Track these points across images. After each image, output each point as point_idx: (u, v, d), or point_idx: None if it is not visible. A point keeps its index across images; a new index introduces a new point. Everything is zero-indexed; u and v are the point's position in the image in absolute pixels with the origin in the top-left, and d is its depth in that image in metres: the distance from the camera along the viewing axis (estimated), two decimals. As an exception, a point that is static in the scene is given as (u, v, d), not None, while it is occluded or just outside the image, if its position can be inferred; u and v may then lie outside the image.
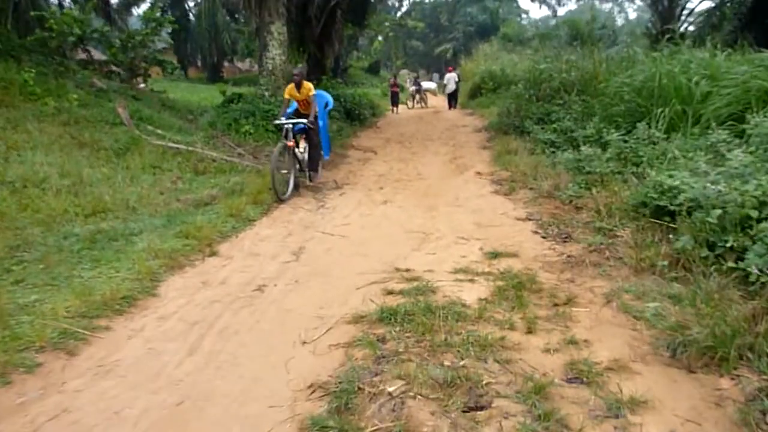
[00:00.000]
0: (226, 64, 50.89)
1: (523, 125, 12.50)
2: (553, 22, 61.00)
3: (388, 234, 6.20)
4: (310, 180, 8.78)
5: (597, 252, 5.19)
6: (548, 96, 12.87)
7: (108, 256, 5.17)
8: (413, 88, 28.80)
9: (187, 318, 4.11)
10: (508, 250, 5.42)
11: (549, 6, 55.64)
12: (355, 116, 17.63)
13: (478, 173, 9.60)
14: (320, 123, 9.16)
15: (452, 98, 26.59)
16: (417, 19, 58.22)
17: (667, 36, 16.76)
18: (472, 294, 4.33)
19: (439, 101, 30.76)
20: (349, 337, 3.69)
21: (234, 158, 9.61)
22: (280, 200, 7.59)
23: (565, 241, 5.66)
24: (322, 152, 9.46)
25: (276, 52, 12.80)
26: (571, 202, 7.00)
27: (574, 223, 6.16)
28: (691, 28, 23.52)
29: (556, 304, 4.12)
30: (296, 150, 8.29)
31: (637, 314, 3.87)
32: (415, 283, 4.55)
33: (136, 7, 43.22)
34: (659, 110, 8.36)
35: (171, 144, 9.91)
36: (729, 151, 5.65)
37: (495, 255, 5.27)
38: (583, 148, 7.87)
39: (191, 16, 48.70)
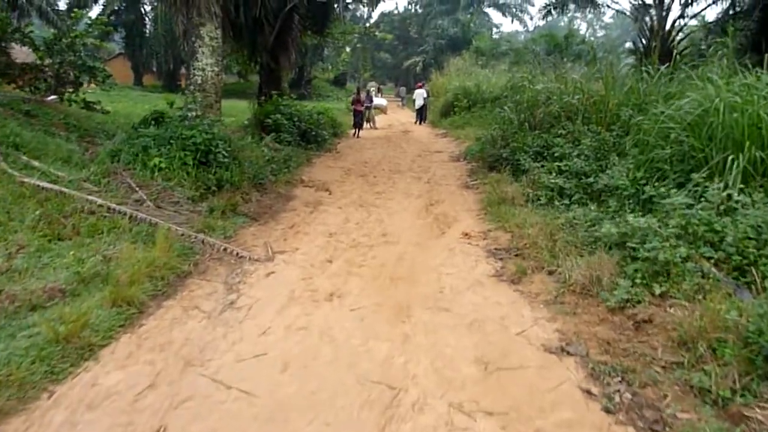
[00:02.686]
0: (183, 71, 47.72)
1: (515, 160, 9.97)
2: (522, 37, 59.32)
3: (327, 390, 3.47)
4: None
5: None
6: (546, 124, 10.38)
7: None
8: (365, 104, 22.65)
9: None
10: (555, 456, 2.80)
11: (521, 21, 53.69)
12: (311, 138, 14.92)
13: (466, 235, 6.98)
14: None
15: (420, 113, 26.23)
16: (386, 30, 55.83)
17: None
18: None
19: (397, 118, 28.34)
20: None
21: (126, 207, 6.82)
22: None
23: (654, 430, 3.06)
24: None
25: (207, 62, 10.03)
26: (622, 309, 4.44)
27: (648, 367, 3.58)
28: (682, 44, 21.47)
29: None
30: None
31: None
32: None
33: (87, 9, 40.33)
34: (727, 156, 5.90)
35: (42, 183, 7.08)
36: None
37: (533, 478, 2.64)
38: (630, 218, 5.27)
39: (147, 21, 45.61)
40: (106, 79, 19.35)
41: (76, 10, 21.78)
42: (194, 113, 9.73)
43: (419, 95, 26.38)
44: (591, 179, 7.75)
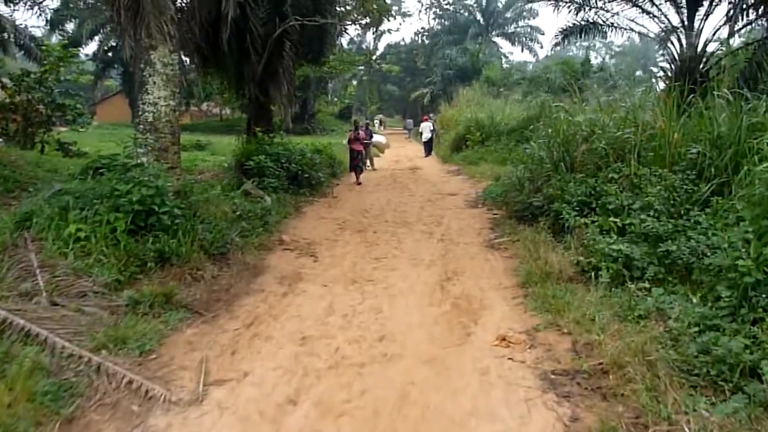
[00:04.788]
0: (182, 107, 46.27)
1: (552, 211, 7.77)
2: (531, 67, 57.26)
3: None
4: None
5: None
6: (592, 165, 8.17)
7: None
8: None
9: None
10: None
11: (530, 50, 51.99)
12: (303, 182, 12.79)
13: (503, 340, 4.72)
14: None
15: (428, 146, 26.18)
16: (392, 62, 54.23)
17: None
18: None
19: (404, 153, 26.45)
20: None
21: (4, 306, 4.64)
22: None
23: None
24: None
25: (160, 94, 7.94)
26: None
27: None
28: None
29: None
30: None
31: None
32: None
33: (82, 47, 39.37)
34: None
35: None
36: None
37: None
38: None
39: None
40: (78, 117, 17.48)
41: (47, 44, 20.10)
42: (140, 159, 7.59)
43: (426, 128, 26.36)
44: (672, 246, 5.53)
